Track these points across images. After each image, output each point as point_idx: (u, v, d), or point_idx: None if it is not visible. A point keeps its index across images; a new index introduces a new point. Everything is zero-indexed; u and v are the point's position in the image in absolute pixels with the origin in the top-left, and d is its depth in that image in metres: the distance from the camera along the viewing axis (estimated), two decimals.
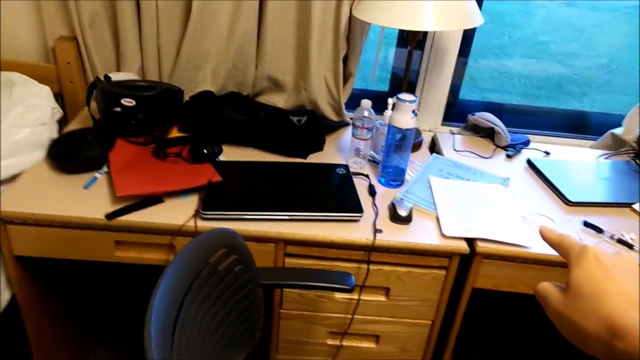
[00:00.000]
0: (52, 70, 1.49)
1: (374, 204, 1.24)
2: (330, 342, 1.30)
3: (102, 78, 1.32)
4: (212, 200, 1.14)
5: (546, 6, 5.90)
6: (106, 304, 1.78)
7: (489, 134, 1.64)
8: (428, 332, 1.29)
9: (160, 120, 1.36)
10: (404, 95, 1.23)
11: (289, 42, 1.51)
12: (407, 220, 1.18)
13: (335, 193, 1.23)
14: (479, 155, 1.54)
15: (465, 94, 1.90)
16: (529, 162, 1.52)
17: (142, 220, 1.10)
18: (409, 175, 1.38)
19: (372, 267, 1.17)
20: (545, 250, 1.12)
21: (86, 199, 1.14)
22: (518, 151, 1.59)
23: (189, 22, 1.42)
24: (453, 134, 1.66)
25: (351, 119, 1.36)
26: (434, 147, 1.65)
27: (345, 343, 1.30)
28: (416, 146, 1.53)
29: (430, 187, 1.31)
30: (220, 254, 0.94)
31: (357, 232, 1.14)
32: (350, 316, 1.25)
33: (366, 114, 1.33)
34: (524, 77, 4.54)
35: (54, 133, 1.33)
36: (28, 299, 1.24)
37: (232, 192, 1.19)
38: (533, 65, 4.73)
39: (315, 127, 1.44)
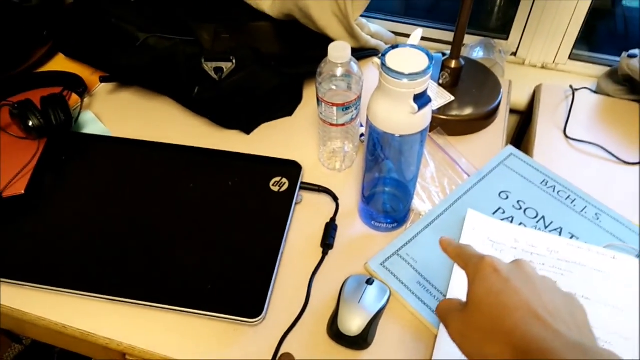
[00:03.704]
0: None
1: (312, 277, 0.59)
2: None
3: None
4: None
5: None
6: None
7: None
8: None
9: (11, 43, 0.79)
10: (399, 55, 0.49)
11: None
12: (357, 343, 0.53)
13: (237, 248, 0.60)
14: (612, 155, 0.73)
15: None
16: None
17: None
18: (434, 198, 0.67)
19: None
20: None
21: None
22: None
23: None
24: (574, 91, 0.83)
25: (318, 73, 0.64)
26: (530, 114, 0.86)
27: None
28: (486, 117, 0.77)
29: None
30: None
31: (253, 345, 0.54)
32: None
33: (339, 71, 0.61)
34: None
35: None
36: None
37: (43, 219, 0.64)
38: None
39: (255, 79, 0.75)
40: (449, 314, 0.40)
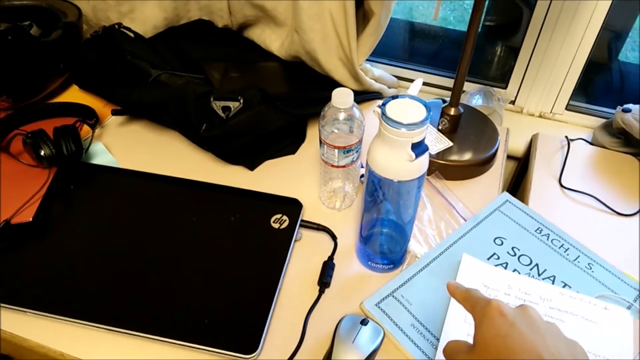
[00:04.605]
0: None
1: (308, 315, 0.60)
2: None
3: None
4: None
5: None
6: None
7: None
8: None
9: (20, 74, 0.82)
10: (398, 105, 0.52)
11: None
12: None
13: (236, 283, 0.62)
14: (606, 205, 0.75)
15: None
16: None
17: None
18: (430, 240, 0.69)
19: None
20: None
21: None
22: None
23: None
24: (570, 141, 0.85)
25: (320, 115, 0.67)
26: (527, 161, 0.88)
27: None
28: (483, 163, 0.79)
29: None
30: None
31: None
32: None
33: (341, 116, 0.64)
34: None
35: None
36: None
37: (48, 247, 0.65)
38: None
39: (260, 119, 0.77)
40: (457, 356, 0.42)
